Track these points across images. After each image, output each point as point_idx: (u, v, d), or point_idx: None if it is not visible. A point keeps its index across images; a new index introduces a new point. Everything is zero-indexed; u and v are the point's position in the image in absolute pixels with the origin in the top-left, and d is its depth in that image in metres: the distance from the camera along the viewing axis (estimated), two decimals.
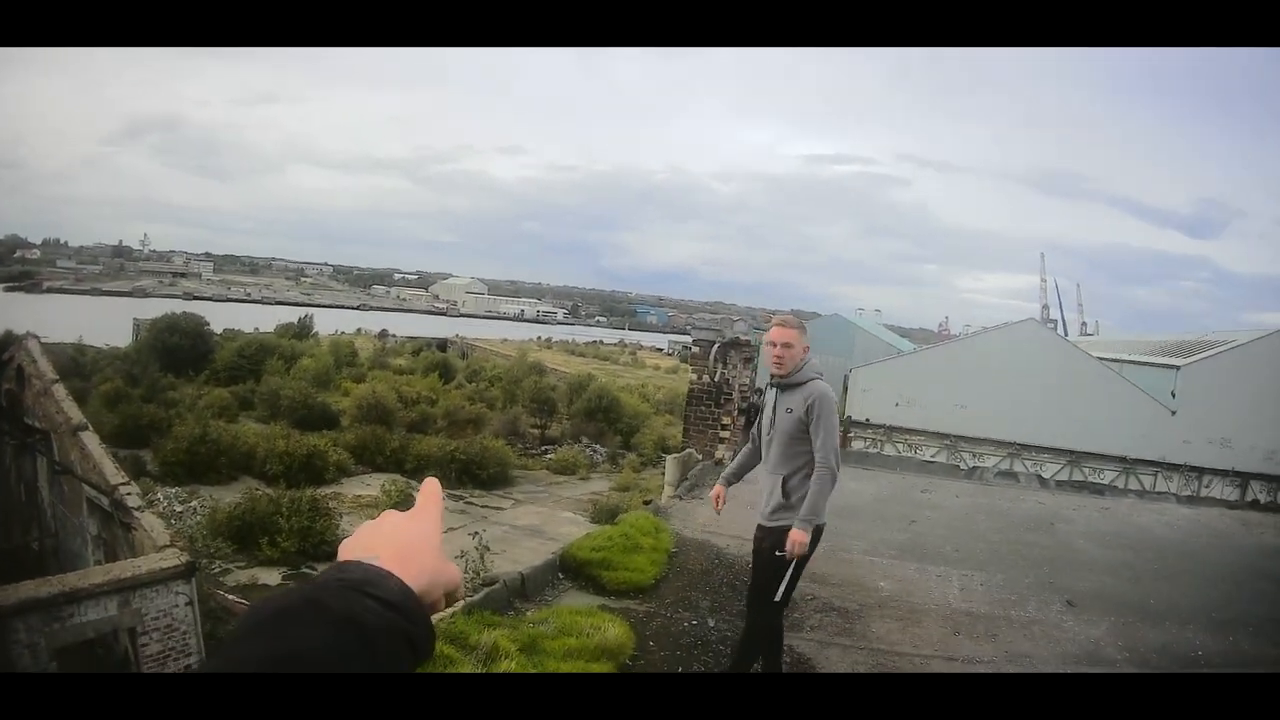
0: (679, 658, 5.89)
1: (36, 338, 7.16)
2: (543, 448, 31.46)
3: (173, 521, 15.92)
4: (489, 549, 11.06)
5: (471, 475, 23.95)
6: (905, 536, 10.09)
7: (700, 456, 13.22)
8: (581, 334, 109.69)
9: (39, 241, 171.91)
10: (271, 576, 14.17)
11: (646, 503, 11.79)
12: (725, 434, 13.85)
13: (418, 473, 23.59)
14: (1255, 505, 17.14)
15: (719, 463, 13.26)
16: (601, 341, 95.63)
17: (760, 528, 4.82)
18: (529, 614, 6.15)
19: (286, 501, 16.02)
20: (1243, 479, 17.33)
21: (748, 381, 14.72)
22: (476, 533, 12.53)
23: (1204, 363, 23.89)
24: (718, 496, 5.10)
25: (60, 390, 6.36)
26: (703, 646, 6.12)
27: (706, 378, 13.88)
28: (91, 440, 6.22)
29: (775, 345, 4.72)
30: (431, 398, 34.12)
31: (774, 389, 4.83)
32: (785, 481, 4.71)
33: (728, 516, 10.27)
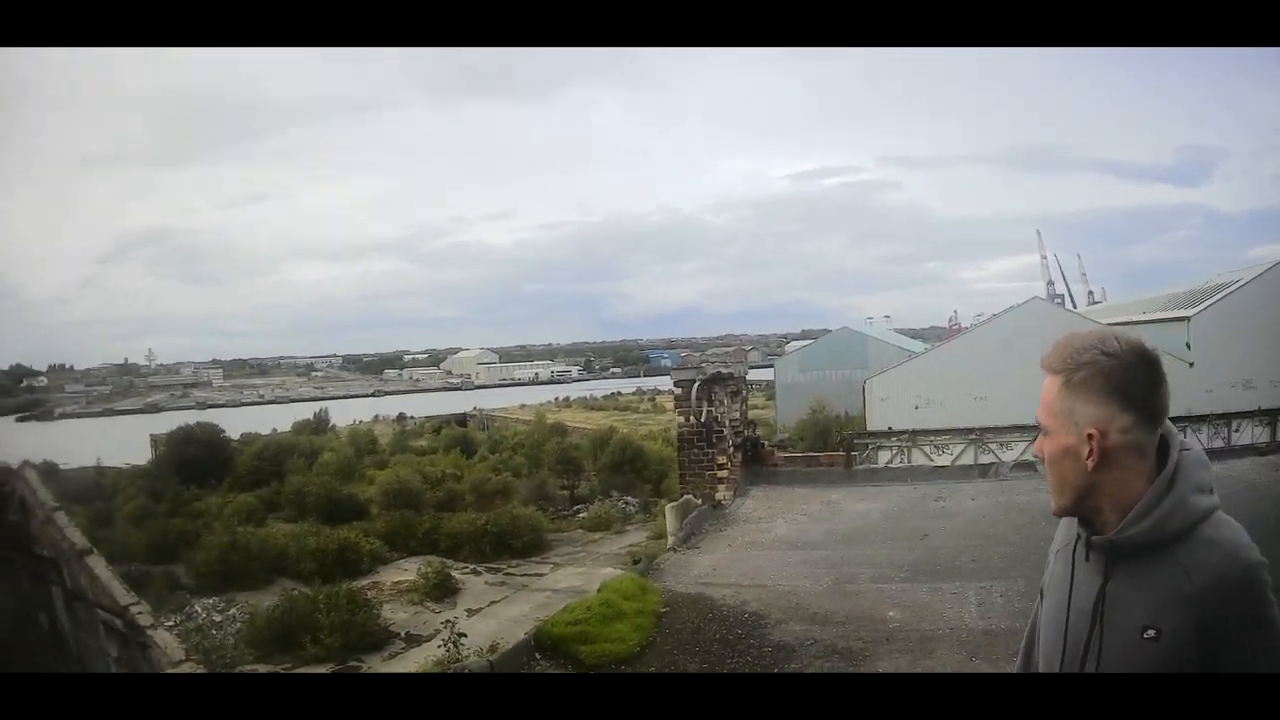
0: None
1: (33, 466, 7.07)
2: (574, 507, 31.13)
3: (213, 632, 15.74)
4: (464, 635, 9.23)
5: (506, 546, 23.66)
6: (917, 554, 9.54)
7: (699, 501, 12.65)
8: (598, 388, 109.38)
9: (44, 368, 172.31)
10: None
11: (636, 562, 11.17)
12: (723, 474, 13.18)
13: (452, 551, 23.39)
14: None
15: (718, 505, 12.80)
16: (619, 392, 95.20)
17: None
18: None
19: (324, 598, 15.83)
20: (1271, 417, 16.68)
21: (738, 416, 14.13)
22: (450, 620, 11.72)
23: (1213, 309, 23.63)
24: None
25: (62, 517, 6.24)
26: None
27: (693, 419, 13.40)
28: (98, 564, 6.07)
29: None
30: (456, 474, 33.96)
31: (1080, 543, 1.86)
32: None
33: (725, 563, 9.84)
